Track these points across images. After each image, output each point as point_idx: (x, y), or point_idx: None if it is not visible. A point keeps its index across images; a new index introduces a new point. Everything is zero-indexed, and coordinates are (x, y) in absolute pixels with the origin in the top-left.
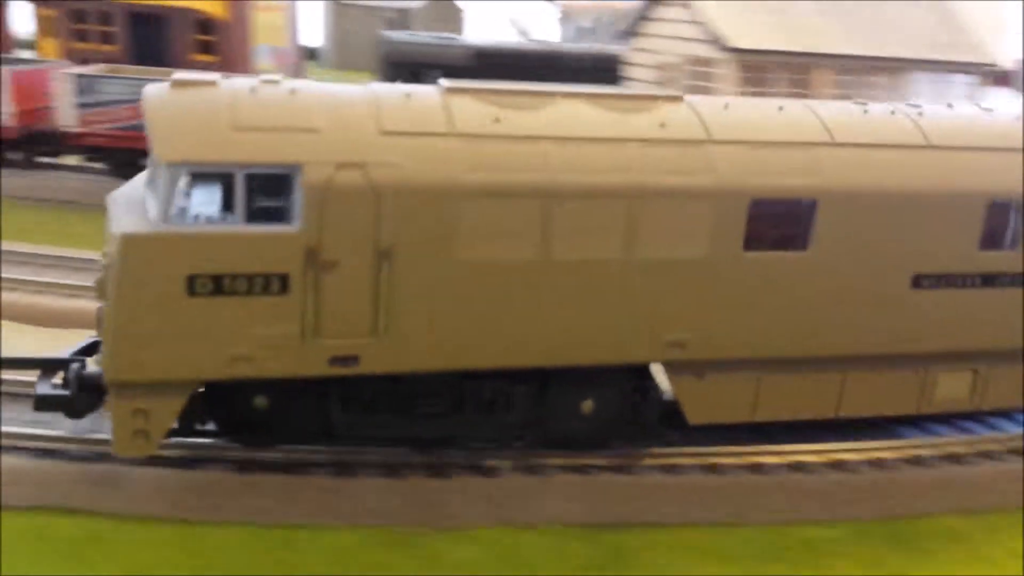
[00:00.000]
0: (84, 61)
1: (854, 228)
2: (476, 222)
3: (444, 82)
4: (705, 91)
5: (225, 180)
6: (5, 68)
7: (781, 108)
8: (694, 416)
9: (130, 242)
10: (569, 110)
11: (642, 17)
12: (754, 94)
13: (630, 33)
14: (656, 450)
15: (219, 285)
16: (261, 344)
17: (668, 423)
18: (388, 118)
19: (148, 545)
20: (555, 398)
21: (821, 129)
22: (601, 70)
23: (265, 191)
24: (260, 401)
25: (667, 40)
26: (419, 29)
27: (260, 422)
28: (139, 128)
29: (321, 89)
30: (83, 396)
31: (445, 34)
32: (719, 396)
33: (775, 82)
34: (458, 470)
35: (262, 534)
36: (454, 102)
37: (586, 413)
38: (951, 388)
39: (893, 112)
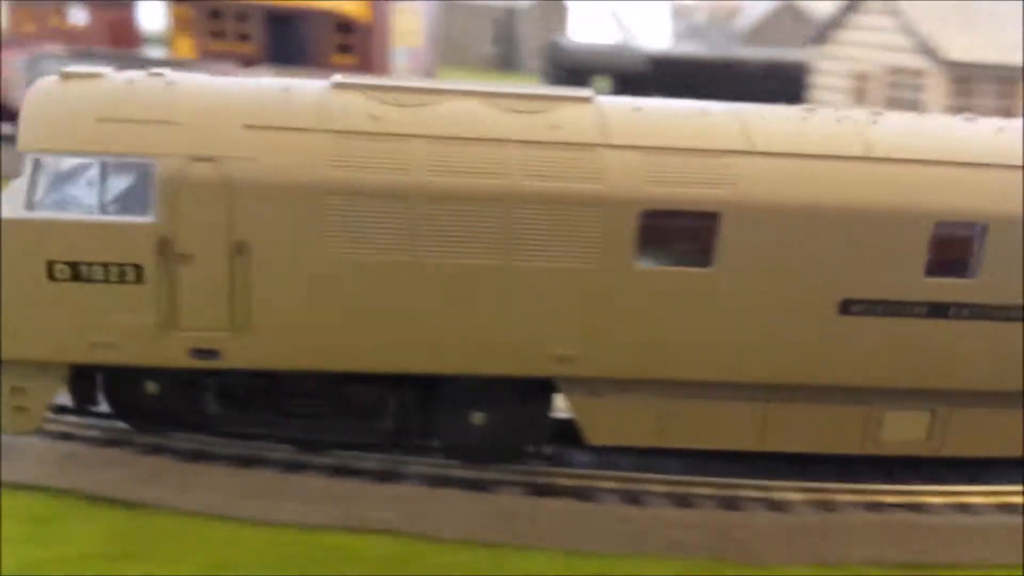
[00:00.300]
0: (219, 60)
1: (767, 245)
2: (340, 220)
3: (336, 77)
4: (909, 103)
5: (85, 170)
6: None
7: (704, 112)
8: (593, 437)
9: (4, 226)
10: (457, 109)
11: (835, 23)
12: (961, 108)
13: (818, 40)
14: (946, 487)
15: (77, 272)
16: (122, 332)
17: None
18: (255, 113)
19: None
20: (444, 407)
21: (738, 137)
22: (782, 79)
23: (124, 182)
24: (151, 387)
25: (867, 49)
26: (526, 29)
27: (150, 408)
28: None
29: (200, 83)
30: None
31: (617, 40)
32: (620, 418)
33: (982, 95)
34: (750, 503)
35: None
36: (336, 98)
37: (478, 425)
38: (902, 429)
39: (839, 120)
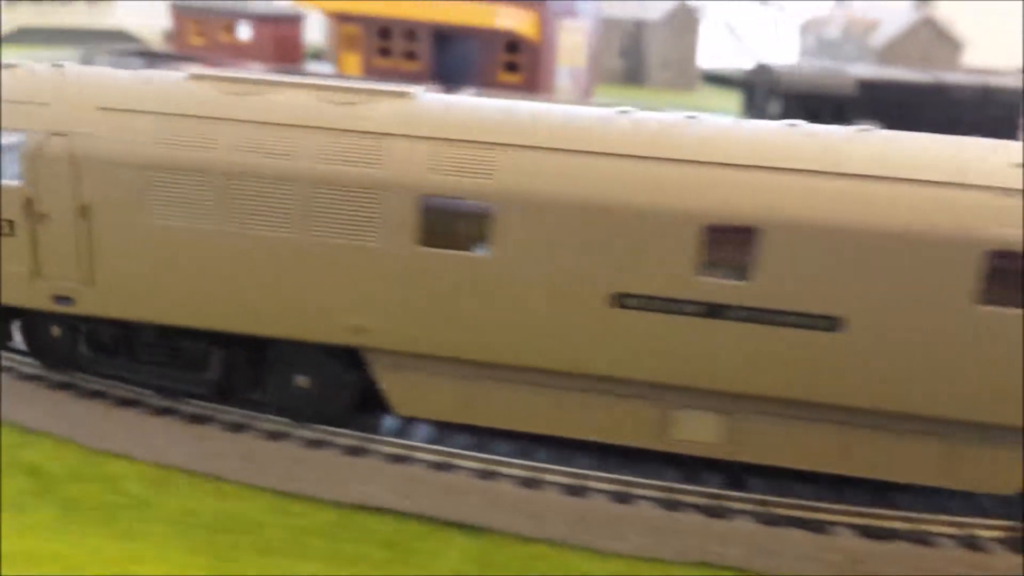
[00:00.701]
0: (385, 77)
1: (539, 236)
2: (159, 192)
3: (193, 70)
4: None
5: None
6: None
7: (506, 109)
8: (400, 407)
9: None
10: (286, 99)
11: None
12: None
13: None
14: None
15: None
16: (7, 278)
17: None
18: (111, 97)
19: None
20: (271, 368)
21: (517, 131)
22: (998, 105)
23: (13, 153)
24: (55, 330)
25: None
26: (655, 42)
27: (55, 349)
28: None
29: (83, 71)
30: None
31: (830, 63)
32: (422, 391)
33: None
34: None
35: None
36: (185, 87)
37: (301, 387)
38: (695, 429)
39: (618, 117)
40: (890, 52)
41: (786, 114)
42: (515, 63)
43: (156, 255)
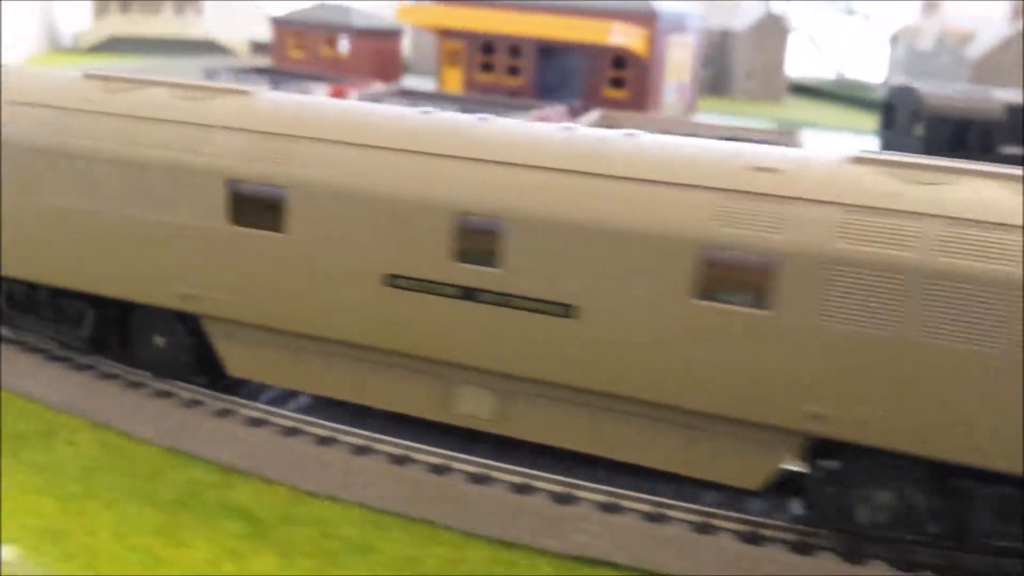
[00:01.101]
0: (486, 92)
1: (324, 220)
2: (27, 172)
3: (89, 69)
4: None
5: None
6: None
7: (312, 105)
8: (231, 369)
9: None
10: (146, 95)
11: None
12: None
13: None
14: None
15: None
16: None
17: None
18: (23, 91)
19: None
20: (134, 327)
21: (312, 126)
22: None
23: None
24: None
25: None
26: (741, 52)
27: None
28: None
29: (16, 70)
30: None
31: (974, 87)
32: (252, 356)
33: None
34: None
35: None
36: (79, 84)
37: (159, 347)
38: (473, 404)
39: (391, 114)
40: (986, 64)
41: (929, 137)
42: (621, 79)
43: (42, 226)
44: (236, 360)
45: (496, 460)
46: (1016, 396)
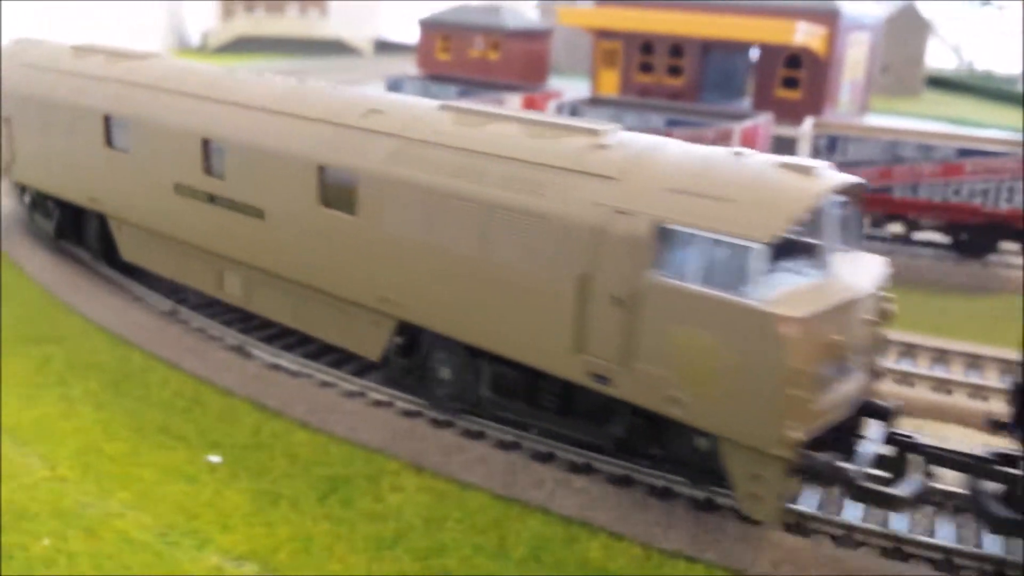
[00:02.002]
0: (644, 93)
1: (139, 140)
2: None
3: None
4: None
5: None
6: None
7: (220, 74)
8: (125, 255)
9: None
10: (88, 59)
11: None
12: None
13: None
14: None
15: None
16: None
17: None
18: (31, 57)
19: None
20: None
21: (223, 89)
22: None
23: None
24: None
25: None
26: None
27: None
28: None
29: (25, 43)
30: None
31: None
32: (140, 248)
33: None
34: None
35: None
36: (70, 54)
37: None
38: (232, 285)
39: (279, 83)
40: None
41: None
42: (795, 78)
43: (51, 151)
44: (128, 248)
45: None
46: (517, 298)
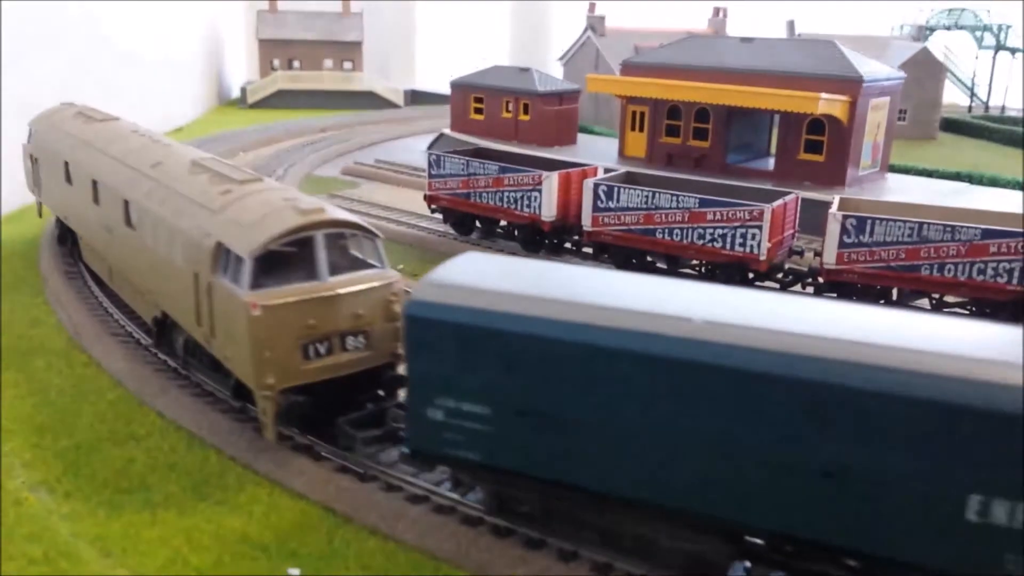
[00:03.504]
0: (671, 155)
1: (75, 178)
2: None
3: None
4: None
5: None
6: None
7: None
8: (85, 258)
9: None
10: (73, 120)
11: None
12: None
13: None
14: None
15: None
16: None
17: None
18: (47, 122)
19: None
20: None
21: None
22: None
23: None
24: None
25: None
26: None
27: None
28: None
29: (49, 114)
30: None
31: None
32: (88, 252)
33: None
34: None
35: None
36: (71, 117)
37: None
38: (108, 274)
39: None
40: None
41: None
42: (818, 142)
43: (51, 182)
44: (84, 253)
45: None
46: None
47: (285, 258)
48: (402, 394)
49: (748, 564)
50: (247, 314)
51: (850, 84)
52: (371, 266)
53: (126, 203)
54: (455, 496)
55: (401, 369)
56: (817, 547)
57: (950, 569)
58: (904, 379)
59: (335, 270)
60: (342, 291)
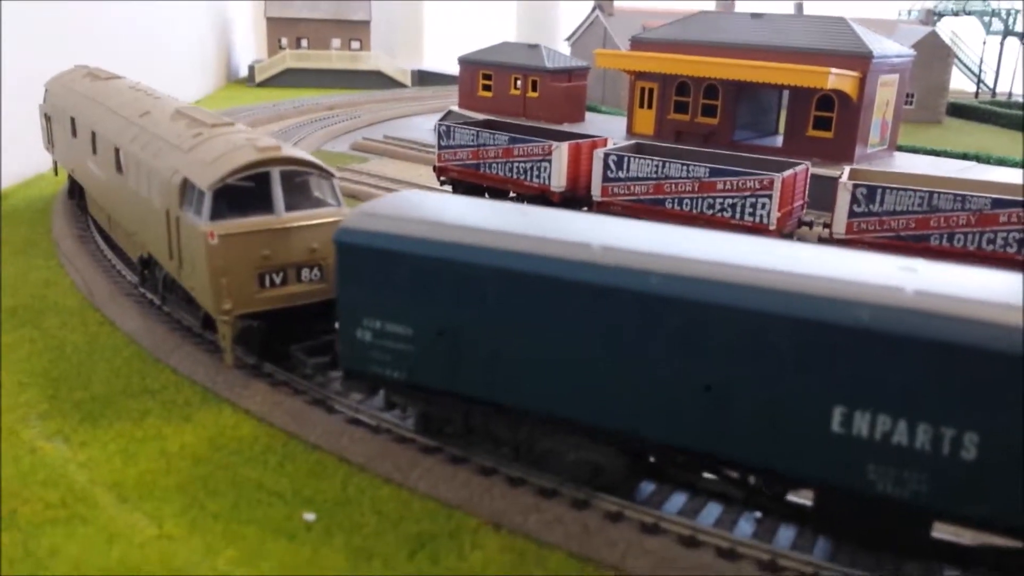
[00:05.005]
0: (679, 132)
1: (79, 131)
2: (62, 119)
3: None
4: None
5: None
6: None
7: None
8: (90, 210)
9: None
10: (82, 80)
11: None
12: None
13: None
14: None
15: None
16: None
17: None
18: (61, 82)
19: None
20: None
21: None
22: None
23: None
24: None
25: None
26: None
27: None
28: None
29: (61, 75)
30: None
31: None
32: (91, 204)
33: None
34: None
35: None
36: (84, 79)
37: None
38: (103, 218)
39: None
40: None
41: None
42: (827, 118)
43: (61, 139)
44: (90, 205)
45: None
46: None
47: (245, 193)
48: None
49: (759, 515)
50: (206, 243)
51: (860, 60)
52: (328, 205)
53: (116, 151)
54: (468, 451)
55: None
56: (701, 458)
57: (821, 478)
58: (771, 298)
59: (292, 207)
60: (296, 224)
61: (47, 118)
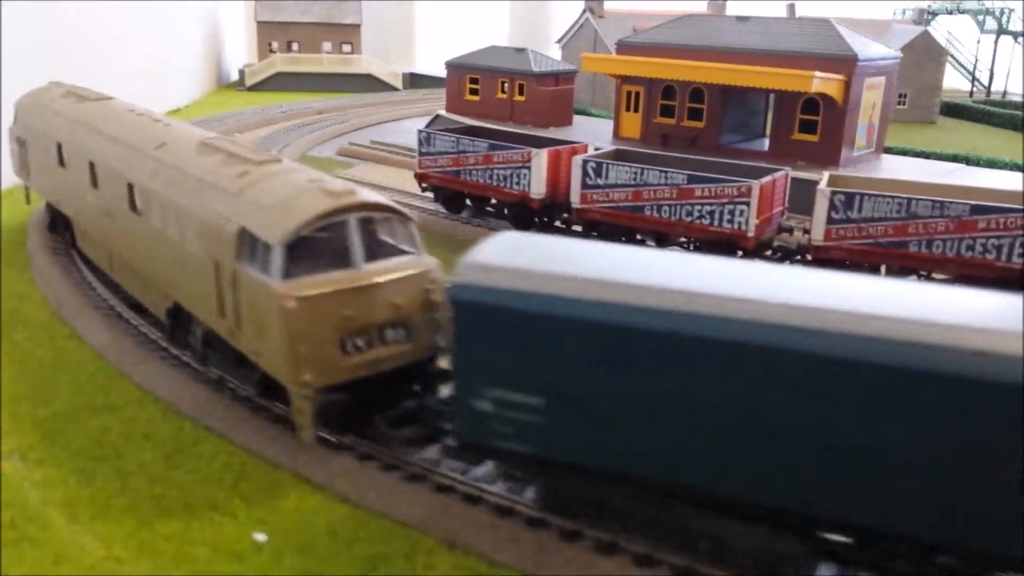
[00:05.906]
0: (665, 136)
1: (70, 159)
2: (40, 144)
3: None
4: None
5: None
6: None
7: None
8: (79, 244)
9: None
10: (63, 100)
11: None
12: None
13: None
14: None
15: None
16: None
17: None
18: (38, 103)
19: None
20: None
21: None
22: None
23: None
24: None
25: None
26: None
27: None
28: None
29: (39, 94)
30: None
31: None
32: (81, 237)
33: None
34: None
35: None
36: (60, 97)
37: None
38: (105, 260)
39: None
40: None
41: None
42: (812, 122)
43: (41, 166)
44: (79, 239)
45: None
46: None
47: (315, 244)
48: (444, 390)
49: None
50: (280, 306)
51: (845, 63)
52: (405, 252)
53: (130, 186)
54: (428, 467)
55: (442, 363)
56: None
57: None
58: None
59: (369, 257)
60: (379, 279)
61: (19, 142)
